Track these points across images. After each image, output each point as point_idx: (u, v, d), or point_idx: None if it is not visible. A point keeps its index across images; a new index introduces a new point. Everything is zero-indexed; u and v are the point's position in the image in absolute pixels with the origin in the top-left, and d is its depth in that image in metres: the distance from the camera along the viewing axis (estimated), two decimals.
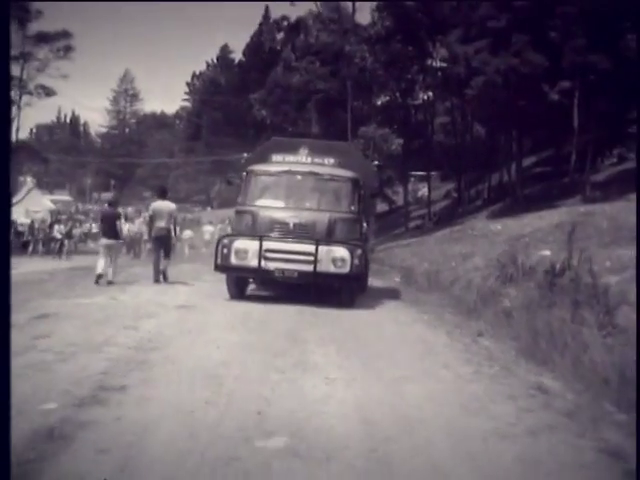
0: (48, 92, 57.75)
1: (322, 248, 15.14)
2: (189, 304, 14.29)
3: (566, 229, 22.86)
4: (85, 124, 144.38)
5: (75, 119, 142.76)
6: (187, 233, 38.67)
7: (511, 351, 10.06)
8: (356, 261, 15.29)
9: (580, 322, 9.83)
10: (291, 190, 16.81)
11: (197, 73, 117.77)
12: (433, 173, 57.33)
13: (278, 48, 64.57)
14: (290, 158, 17.96)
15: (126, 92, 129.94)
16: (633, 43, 28.62)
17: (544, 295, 11.71)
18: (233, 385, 7.32)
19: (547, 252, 18.00)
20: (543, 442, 6.02)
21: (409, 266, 25.71)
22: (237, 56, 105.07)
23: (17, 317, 11.10)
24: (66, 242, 37.57)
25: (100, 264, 18.00)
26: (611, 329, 9.35)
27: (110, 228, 18.24)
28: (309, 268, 15.04)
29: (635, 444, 5.04)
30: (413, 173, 58.40)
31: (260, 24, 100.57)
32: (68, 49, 55.49)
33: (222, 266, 15.70)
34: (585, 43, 35.94)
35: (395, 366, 8.86)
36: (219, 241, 16.08)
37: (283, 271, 15.21)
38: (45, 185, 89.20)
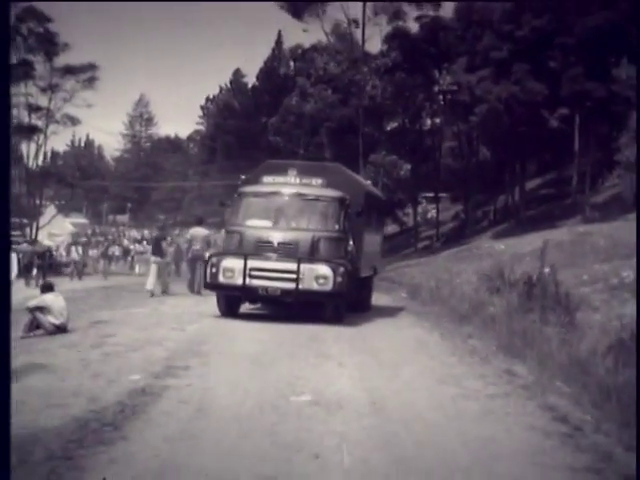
0: (74, 121, 60.67)
1: (304, 266, 15.47)
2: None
3: (565, 247, 25.11)
4: (99, 147, 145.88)
5: (89, 143, 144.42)
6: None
7: (492, 347, 12.21)
8: (339, 279, 15.59)
9: (546, 323, 12.05)
10: (278, 210, 17.11)
11: (210, 97, 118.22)
12: (443, 195, 59.51)
13: (292, 74, 66.34)
14: (279, 179, 18.32)
15: (141, 116, 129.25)
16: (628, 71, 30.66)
17: (522, 303, 13.93)
18: (269, 366, 9.63)
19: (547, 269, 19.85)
20: (498, 402, 8.25)
21: (415, 283, 27.77)
22: (250, 80, 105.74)
23: (78, 323, 13.49)
24: (101, 262, 39.41)
25: (150, 280, 20.58)
26: (569, 327, 11.56)
27: (158, 249, 20.98)
28: (292, 286, 15.40)
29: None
30: (424, 195, 60.31)
31: (273, 49, 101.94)
32: (93, 80, 58.29)
33: (211, 284, 16.17)
34: (582, 72, 38.29)
35: (393, 356, 11.17)
36: (208, 260, 16.54)
37: (267, 289, 15.56)
38: (61, 208, 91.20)
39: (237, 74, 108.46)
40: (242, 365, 9.51)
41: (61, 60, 58.12)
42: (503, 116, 40.04)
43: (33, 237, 55.33)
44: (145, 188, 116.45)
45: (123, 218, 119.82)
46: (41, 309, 12.76)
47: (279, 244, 16.01)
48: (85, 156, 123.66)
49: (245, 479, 5.30)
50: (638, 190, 8.52)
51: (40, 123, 58.71)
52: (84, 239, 55.81)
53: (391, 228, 63.49)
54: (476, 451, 6.26)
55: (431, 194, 58.28)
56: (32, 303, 12.85)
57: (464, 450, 6.30)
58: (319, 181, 17.90)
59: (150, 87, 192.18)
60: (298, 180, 18.00)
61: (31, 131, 57.59)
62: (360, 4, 48.63)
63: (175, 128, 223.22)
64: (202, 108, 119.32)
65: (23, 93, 56.03)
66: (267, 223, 16.81)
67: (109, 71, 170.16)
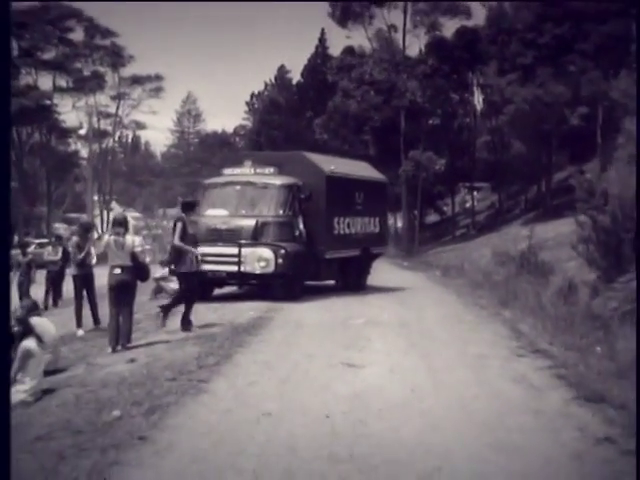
0: (140, 126, 67.02)
1: (246, 250, 16.30)
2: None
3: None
4: (146, 144, 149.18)
5: (136, 138, 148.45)
6: None
7: (492, 301, 17.11)
8: (280, 260, 16.43)
9: (530, 283, 17.04)
10: (231, 199, 17.97)
11: (256, 93, 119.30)
12: (484, 185, 63.86)
13: (336, 77, 69.75)
14: (236, 171, 19.17)
15: (189, 113, 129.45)
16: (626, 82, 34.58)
17: (518, 271, 18.91)
18: (330, 312, 14.77)
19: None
20: (483, 326, 13.32)
21: (449, 264, 32.70)
22: (294, 76, 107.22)
23: None
24: None
25: None
26: (543, 285, 16.52)
27: None
28: (235, 269, 16.38)
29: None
30: (464, 185, 64.38)
31: (316, 47, 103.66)
32: (159, 90, 64.40)
33: (174, 270, 16.21)
34: (599, 74, 42.64)
35: (419, 307, 16.33)
36: (172, 248, 17.67)
37: (214, 272, 16.20)
38: (120, 204, 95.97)
39: (281, 70, 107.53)
40: (306, 320, 14.09)
41: (127, 71, 64.12)
42: (529, 115, 44.39)
43: (104, 232, 61.33)
44: (194, 183, 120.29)
45: (173, 212, 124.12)
46: (164, 278, 17.96)
47: (225, 230, 16.91)
48: (141, 155, 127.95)
49: (331, 346, 10.43)
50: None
51: (110, 128, 65.31)
52: (145, 232, 60.95)
53: (433, 217, 68.33)
54: (457, 339, 11.36)
55: (467, 185, 62.60)
56: (157, 275, 18.02)
57: (451, 337, 11.42)
58: (271, 170, 18.78)
59: (197, 83, 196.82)
60: (252, 170, 18.95)
61: (102, 135, 63.89)
62: (401, 15, 53.28)
63: (222, 123, 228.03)
64: (247, 104, 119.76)
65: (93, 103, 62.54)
66: (223, 212, 17.65)
67: (155, 69, 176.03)
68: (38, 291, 20.27)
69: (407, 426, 6.61)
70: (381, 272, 26.26)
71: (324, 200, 18.51)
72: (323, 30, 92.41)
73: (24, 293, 20.24)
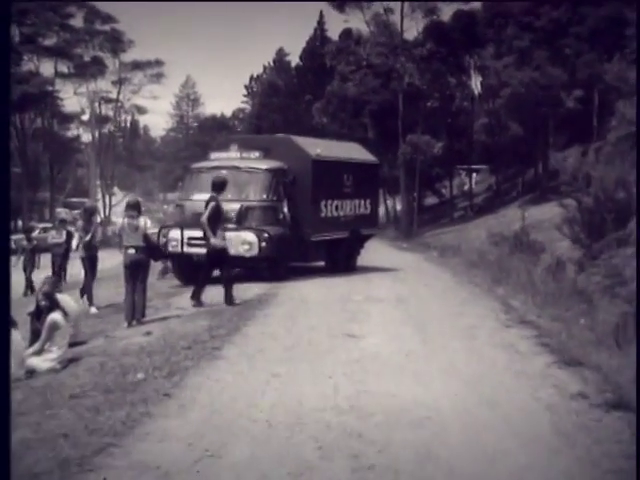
0: (141, 110, 67.82)
1: (230, 234, 15.54)
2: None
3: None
4: (145, 128, 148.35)
5: (135, 123, 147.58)
6: None
7: (486, 279, 17.87)
8: (264, 244, 16.56)
9: (521, 261, 17.80)
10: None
11: (255, 76, 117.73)
12: (483, 167, 64.43)
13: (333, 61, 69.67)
14: (222, 155, 19.32)
15: (188, 97, 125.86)
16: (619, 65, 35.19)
17: (511, 250, 19.67)
18: (331, 289, 15.56)
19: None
20: (477, 301, 14.03)
21: (447, 245, 33.50)
22: (292, 59, 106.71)
23: None
24: None
25: None
26: (534, 263, 17.29)
27: None
28: None
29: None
30: (462, 168, 64.95)
31: (315, 29, 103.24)
32: (160, 75, 65.04)
33: (164, 253, 16.75)
34: (594, 57, 43.26)
35: (415, 283, 17.13)
36: (159, 231, 17.39)
37: (199, 255, 15.90)
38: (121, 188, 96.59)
39: (280, 53, 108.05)
40: (310, 296, 14.89)
41: (127, 56, 64.67)
42: (525, 98, 45.00)
43: (106, 215, 62.32)
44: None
45: (173, 196, 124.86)
46: None
47: None
48: (140, 139, 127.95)
49: (332, 319, 11.22)
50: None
51: (111, 113, 66.03)
52: (147, 215, 61.79)
53: (431, 199, 68.98)
54: (450, 313, 12.15)
55: (465, 167, 63.17)
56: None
57: (444, 311, 12.20)
58: (256, 154, 18.83)
59: (195, 67, 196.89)
60: (238, 154, 19.04)
61: (103, 121, 64.60)
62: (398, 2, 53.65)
63: (220, 107, 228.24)
64: (246, 87, 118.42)
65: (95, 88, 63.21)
66: (206, 196, 16.97)
67: (154, 53, 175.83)
68: (43, 274, 20.97)
69: (401, 385, 7.38)
70: (380, 253, 27.10)
71: (310, 183, 18.69)
72: (322, 13, 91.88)
73: (28, 278, 21.21)
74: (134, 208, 12.35)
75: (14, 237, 39.19)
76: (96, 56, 63.54)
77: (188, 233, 16.62)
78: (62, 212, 60.17)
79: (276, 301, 13.71)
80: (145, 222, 12.37)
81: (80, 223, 16.00)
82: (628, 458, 5.27)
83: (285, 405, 6.63)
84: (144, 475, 4.98)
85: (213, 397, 6.90)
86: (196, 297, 13.29)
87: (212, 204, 13.69)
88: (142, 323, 11.69)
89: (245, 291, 14.68)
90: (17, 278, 21.16)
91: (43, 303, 9.59)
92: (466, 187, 66.38)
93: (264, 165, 18.27)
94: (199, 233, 15.63)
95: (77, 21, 63.37)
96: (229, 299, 13.17)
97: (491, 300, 14.23)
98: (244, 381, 7.52)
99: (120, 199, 63.39)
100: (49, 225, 48.04)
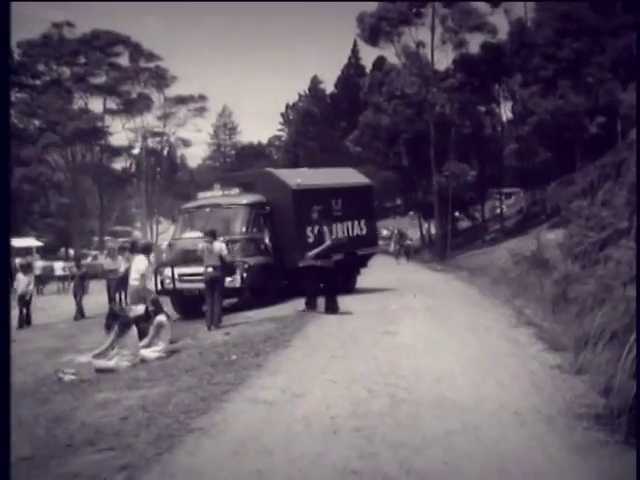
0: (186, 143, 71.66)
1: None
2: None
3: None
4: (182, 157, 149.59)
5: (173, 152, 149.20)
6: None
7: (507, 293, 20.37)
8: (245, 274, 17.70)
9: (536, 276, 20.34)
10: (203, 221, 18.91)
11: (290, 104, 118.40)
12: (516, 190, 66.60)
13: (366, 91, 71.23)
14: (208, 194, 20.63)
15: (225, 126, 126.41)
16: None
17: (529, 267, 22.16)
18: (371, 302, 18.22)
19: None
20: (496, 309, 16.60)
21: (477, 265, 36.01)
22: (327, 86, 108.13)
23: None
24: None
25: None
26: (547, 279, 19.80)
27: None
28: None
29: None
30: (494, 191, 67.11)
31: (349, 58, 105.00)
32: (203, 110, 68.79)
33: (161, 290, 17.55)
34: (616, 85, 45.64)
35: (443, 297, 19.72)
36: (157, 270, 17.59)
37: (190, 290, 17.53)
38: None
39: (315, 81, 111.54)
40: (357, 301, 17.85)
41: (171, 91, 68.37)
42: (551, 125, 47.46)
43: (155, 243, 65.52)
44: None
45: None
46: None
47: (195, 252, 17.36)
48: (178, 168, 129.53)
49: (374, 323, 13.90)
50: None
51: (158, 147, 69.94)
52: None
53: (465, 223, 71.29)
54: (470, 318, 14.76)
55: (498, 191, 65.41)
56: None
57: (466, 317, 14.83)
58: (236, 190, 19.96)
59: (232, 98, 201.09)
60: (220, 193, 20.30)
61: (151, 154, 68.42)
62: (429, 34, 56.34)
63: (257, 135, 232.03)
64: (282, 115, 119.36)
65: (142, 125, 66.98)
66: (197, 234, 18.30)
67: (191, 84, 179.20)
68: (92, 300, 23.88)
69: (424, 361, 10.04)
70: (415, 273, 29.85)
71: (292, 212, 19.32)
72: (355, 41, 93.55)
73: (78, 303, 22.93)
74: (211, 235, 15.21)
75: (65, 264, 42.43)
76: (142, 92, 67.42)
77: (179, 270, 17.85)
78: (109, 240, 63.58)
79: (319, 319, 16.34)
80: (220, 246, 15.18)
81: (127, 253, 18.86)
82: (577, 397, 7.81)
83: (343, 372, 9.34)
84: (257, 405, 7.74)
85: (291, 368, 9.69)
86: (311, 305, 16.10)
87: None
88: (219, 327, 14.49)
89: (295, 305, 17.30)
90: (69, 302, 24.04)
91: (151, 308, 12.44)
92: (498, 210, 68.38)
93: (243, 200, 19.31)
94: (188, 269, 17.41)
95: (123, 59, 67.38)
96: (334, 308, 15.72)
97: (507, 309, 16.78)
98: (311, 360, 10.29)
99: (166, 227, 66.39)
100: (98, 252, 51.32)
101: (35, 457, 6.66)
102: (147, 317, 12.51)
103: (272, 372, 9.42)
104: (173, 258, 19.00)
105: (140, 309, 12.66)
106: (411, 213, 71.56)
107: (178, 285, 17.82)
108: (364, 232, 22.41)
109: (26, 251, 50.71)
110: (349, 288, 20.84)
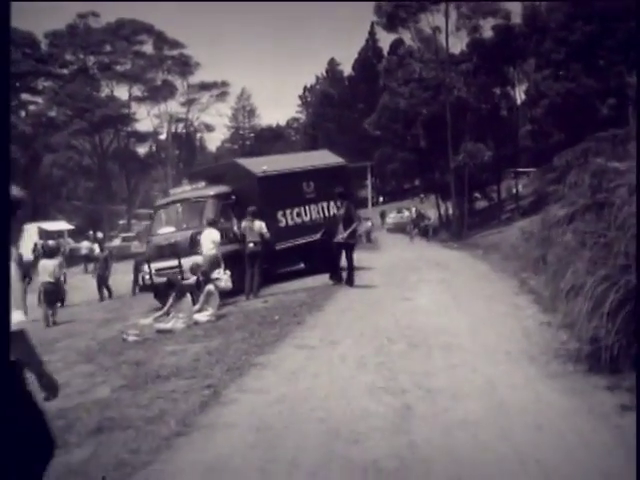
0: (209, 128, 73.83)
1: (185, 260, 17.40)
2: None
3: None
4: (201, 139, 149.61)
5: (191, 134, 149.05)
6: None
7: (515, 267, 22.20)
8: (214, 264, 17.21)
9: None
10: (174, 216, 19.76)
11: (308, 86, 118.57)
12: (532, 170, 67.93)
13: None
14: (178, 190, 21.38)
15: (244, 108, 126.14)
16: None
17: (537, 244, 23.98)
18: (390, 276, 20.17)
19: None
20: (502, 280, 18.53)
21: (492, 244, 37.77)
22: (344, 68, 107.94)
23: None
24: None
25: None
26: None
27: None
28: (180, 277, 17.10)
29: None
30: (510, 171, 68.44)
31: (367, 40, 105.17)
32: (225, 94, 70.77)
33: (143, 286, 19.10)
34: (626, 69, 47.13)
35: (457, 271, 21.63)
36: (135, 266, 19.83)
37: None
38: None
39: (332, 63, 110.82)
40: (377, 275, 19.84)
41: (194, 78, 70.35)
42: (563, 107, 49.02)
43: None
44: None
45: None
46: None
47: (167, 246, 18.55)
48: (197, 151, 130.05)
49: (393, 291, 15.87)
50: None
51: (179, 130, 72.06)
52: None
53: (481, 203, 72.82)
54: (478, 288, 16.69)
55: (513, 171, 66.86)
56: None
57: (475, 287, 16.77)
58: (202, 184, 20.57)
59: (250, 79, 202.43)
60: (189, 187, 20.98)
61: (176, 139, 70.60)
62: (444, 19, 57.82)
63: (275, 117, 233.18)
64: (300, 97, 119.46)
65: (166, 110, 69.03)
66: (171, 229, 19.43)
67: (209, 68, 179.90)
68: (125, 277, 25.82)
69: (437, 320, 11.97)
70: (432, 251, 31.70)
71: (260, 199, 19.22)
72: (373, 23, 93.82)
73: (103, 283, 24.74)
74: (252, 215, 17.22)
75: (89, 244, 44.31)
76: (166, 79, 69.47)
77: (155, 265, 18.35)
78: (134, 224, 65.76)
79: (348, 288, 18.31)
80: (260, 225, 17.17)
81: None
82: (558, 343, 9.71)
83: (368, 326, 11.37)
84: (301, 349, 9.79)
85: (326, 324, 11.77)
86: (337, 277, 17.52)
87: (346, 205, 17.58)
88: (258, 297, 16.51)
89: (319, 279, 19.18)
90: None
91: (202, 279, 14.50)
92: (513, 190, 69.76)
93: (208, 192, 19.77)
94: (161, 264, 18.08)
95: (147, 48, 69.37)
96: (351, 281, 17.21)
97: (513, 281, 18.60)
98: (342, 319, 12.35)
99: None
100: (131, 234, 53.38)
101: (130, 385, 8.74)
102: (198, 286, 14.54)
103: (310, 327, 11.48)
104: (150, 254, 19.38)
105: (192, 279, 14.78)
106: (422, 196, 72.72)
107: (155, 280, 18.12)
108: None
109: (58, 234, 52.59)
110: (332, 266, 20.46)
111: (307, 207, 21.44)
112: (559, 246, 11.22)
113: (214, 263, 16.18)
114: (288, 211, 20.73)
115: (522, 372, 8.15)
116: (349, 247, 17.28)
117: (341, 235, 17.00)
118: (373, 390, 7.51)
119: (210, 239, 15.98)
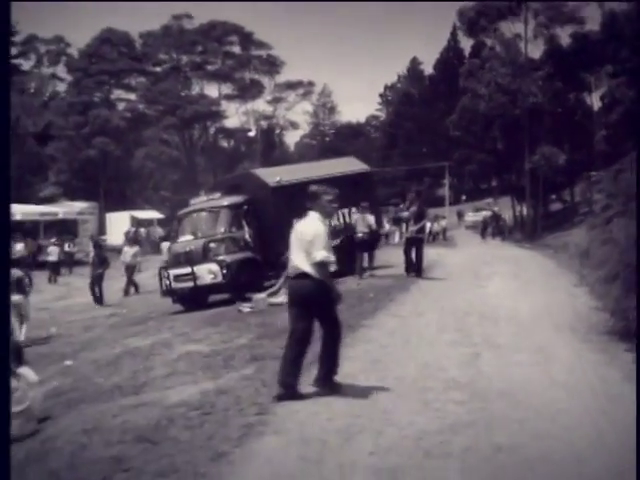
0: (294, 126, 77.10)
1: (199, 267, 18.48)
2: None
3: None
4: (279, 134, 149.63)
5: (270, 131, 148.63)
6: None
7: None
8: (225, 271, 18.56)
9: None
10: (191, 226, 20.52)
11: (389, 85, 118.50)
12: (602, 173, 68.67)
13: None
14: (197, 200, 21.87)
15: (324, 105, 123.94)
16: None
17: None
18: (467, 270, 22.74)
19: None
20: (564, 275, 20.89)
21: (562, 245, 39.74)
22: (426, 68, 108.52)
23: None
24: None
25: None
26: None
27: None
28: (193, 284, 18.70)
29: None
30: (587, 175, 69.45)
31: (448, 40, 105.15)
32: (309, 93, 73.84)
33: (164, 291, 19.82)
34: None
35: (526, 267, 24.03)
36: (160, 271, 19.92)
37: (182, 289, 19.04)
38: None
39: (414, 62, 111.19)
40: (454, 270, 22.35)
41: (281, 77, 73.50)
42: (636, 114, 50.31)
43: None
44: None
45: None
46: None
47: (184, 254, 19.40)
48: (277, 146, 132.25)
49: (468, 281, 18.51)
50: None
51: (266, 127, 75.34)
52: None
53: (556, 206, 74.00)
54: (543, 281, 19.18)
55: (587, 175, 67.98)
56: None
57: (540, 279, 19.28)
58: (217, 194, 21.03)
59: (332, 76, 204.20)
60: (205, 198, 21.63)
61: (263, 135, 73.97)
62: (522, 26, 59.56)
63: (355, 114, 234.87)
64: (381, 96, 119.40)
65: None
66: (190, 237, 20.19)
67: (291, 68, 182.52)
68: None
69: (505, 303, 14.50)
70: (506, 250, 33.97)
71: (274, 208, 19.82)
72: (454, 25, 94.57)
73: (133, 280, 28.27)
74: (365, 208, 20.54)
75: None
76: (254, 79, 72.83)
77: (175, 271, 19.19)
78: None
79: (431, 273, 20.94)
80: (370, 218, 20.43)
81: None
82: (601, 320, 12.18)
83: (447, 304, 14.12)
84: (395, 317, 12.62)
85: (412, 302, 14.60)
86: (411, 269, 19.63)
87: (413, 209, 19.97)
88: (361, 279, 19.57)
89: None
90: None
91: None
92: (588, 194, 70.73)
93: (222, 202, 20.22)
94: (179, 270, 19.03)
95: (237, 48, 72.70)
96: (420, 272, 19.52)
97: (573, 275, 20.94)
98: (425, 298, 15.31)
99: None
100: None
101: (261, 337, 11.65)
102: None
103: (400, 303, 14.29)
104: (170, 261, 20.49)
105: None
106: (490, 200, 73.86)
107: (174, 284, 19.23)
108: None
109: (148, 222, 55.70)
110: (352, 270, 20.45)
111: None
112: (597, 242, 13.43)
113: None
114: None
115: (565, 338, 10.69)
116: (418, 241, 19.74)
117: (410, 229, 19.72)
118: (451, 343, 10.22)
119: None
